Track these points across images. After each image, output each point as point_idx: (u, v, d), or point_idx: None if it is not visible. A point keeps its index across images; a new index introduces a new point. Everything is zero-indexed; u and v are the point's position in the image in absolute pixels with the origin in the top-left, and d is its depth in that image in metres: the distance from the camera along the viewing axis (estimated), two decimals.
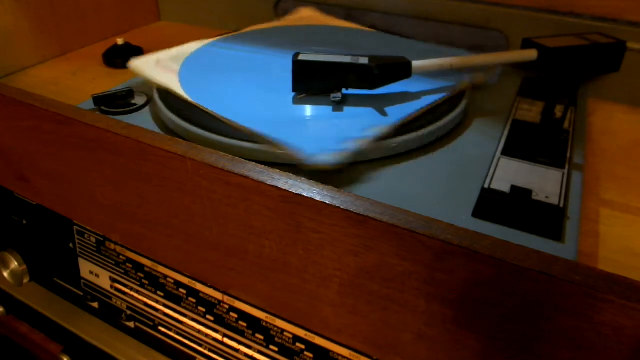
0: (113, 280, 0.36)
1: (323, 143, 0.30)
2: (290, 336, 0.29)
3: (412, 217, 0.20)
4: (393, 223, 0.20)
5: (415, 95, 0.37)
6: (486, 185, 0.30)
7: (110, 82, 0.47)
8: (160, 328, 0.35)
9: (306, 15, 0.54)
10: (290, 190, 0.22)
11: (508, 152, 0.33)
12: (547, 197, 0.29)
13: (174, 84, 0.37)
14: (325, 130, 0.33)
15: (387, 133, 0.32)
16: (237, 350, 0.32)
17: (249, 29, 0.51)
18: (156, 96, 0.38)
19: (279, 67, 0.41)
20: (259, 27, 0.51)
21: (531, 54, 0.39)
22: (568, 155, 0.33)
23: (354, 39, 0.48)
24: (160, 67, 0.40)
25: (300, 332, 0.29)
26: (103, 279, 0.37)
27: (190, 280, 0.32)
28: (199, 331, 0.33)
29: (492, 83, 0.44)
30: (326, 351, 0.28)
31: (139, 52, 0.51)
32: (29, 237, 0.40)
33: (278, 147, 0.30)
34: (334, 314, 0.24)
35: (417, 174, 0.31)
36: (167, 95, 0.37)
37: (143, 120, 0.37)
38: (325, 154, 0.29)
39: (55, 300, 0.42)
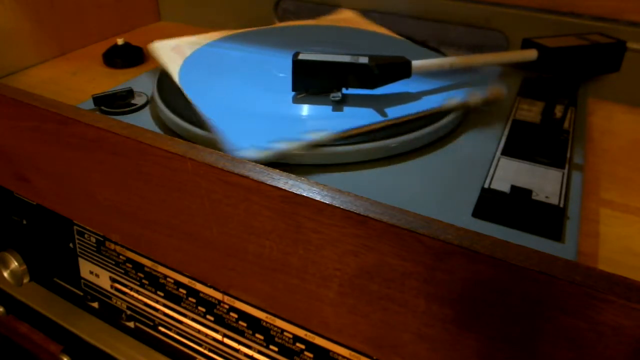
0: (113, 280, 0.36)
1: (255, 139, 0.31)
2: (290, 336, 0.29)
3: (412, 217, 0.20)
4: (393, 223, 0.20)
5: (415, 96, 0.37)
6: (486, 185, 0.30)
7: (110, 82, 0.47)
8: (160, 328, 0.35)
9: (346, 17, 0.53)
10: (290, 190, 0.22)
11: (508, 152, 0.33)
12: (547, 197, 0.29)
13: (173, 69, 0.38)
14: (265, 126, 0.33)
15: (328, 140, 0.31)
16: (237, 350, 0.32)
17: (272, 26, 0.51)
18: (156, 96, 0.38)
19: (278, 66, 0.41)
20: (288, 25, 0.51)
21: (531, 54, 0.39)
22: (568, 155, 0.33)
23: (354, 39, 0.48)
24: (174, 51, 0.41)
25: (300, 332, 0.29)
26: (103, 279, 0.37)
27: (190, 280, 0.32)
28: (199, 331, 0.33)
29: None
30: (326, 351, 0.28)
31: (139, 52, 0.51)
32: (29, 237, 0.40)
33: (211, 132, 0.32)
34: (334, 314, 0.24)
35: (417, 174, 0.31)
36: (167, 94, 0.37)
37: (143, 120, 0.37)
38: (250, 151, 0.29)
39: (55, 300, 0.42)
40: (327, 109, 0.35)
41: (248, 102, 0.36)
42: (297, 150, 0.31)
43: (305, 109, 0.35)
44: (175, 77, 0.38)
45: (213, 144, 0.32)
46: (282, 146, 0.30)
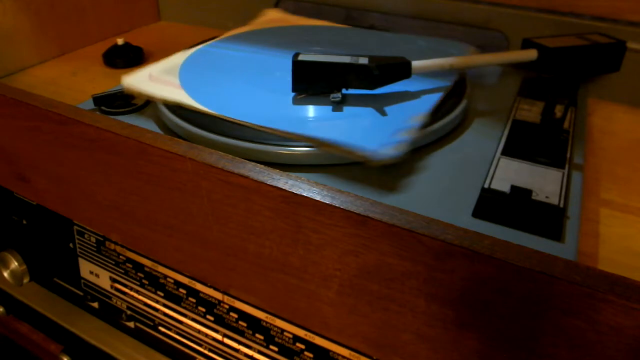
0: (113, 280, 0.36)
1: (378, 138, 0.30)
2: (290, 336, 0.29)
3: (412, 217, 0.20)
4: (393, 223, 0.20)
5: (415, 95, 0.37)
6: (486, 185, 0.30)
7: (110, 82, 0.47)
8: (160, 328, 0.35)
9: (273, 17, 0.53)
10: (290, 190, 0.22)
11: (508, 152, 0.33)
12: (547, 197, 0.29)
13: (184, 97, 0.35)
14: (371, 126, 0.33)
15: (427, 120, 0.33)
16: (237, 350, 0.32)
17: (226, 34, 0.49)
18: None
19: (279, 67, 0.41)
20: (235, 32, 0.50)
21: (531, 54, 0.39)
22: (568, 155, 0.33)
23: (355, 39, 0.48)
24: (157, 82, 0.38)
25: (300, 332, 0.29)
26: (103, 279, 0.37)
27: (190, 280, 0.32)
28: (199, 331, 0.33)
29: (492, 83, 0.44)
30: (326, 351, 0.28)
31: (139, 52, 0.51)
32: (29, 237, 0.40)
33: (334, 148, 0.30)
34: (334, 314, 0.24)
35: (417, 174, 0.31)
36: None
37: (143, 120, 0.37)
38: (386, 148, 0.29)
39: (55, 300, 0.42)
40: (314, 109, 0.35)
41: (280, 109, 0.35)
42: (415, 136, 0.32)
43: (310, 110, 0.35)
44: (191, 103, 0.35)
45: (213, 145, 0.32)
46: (405, 137, 0.31)
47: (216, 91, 0.37)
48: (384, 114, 0.34)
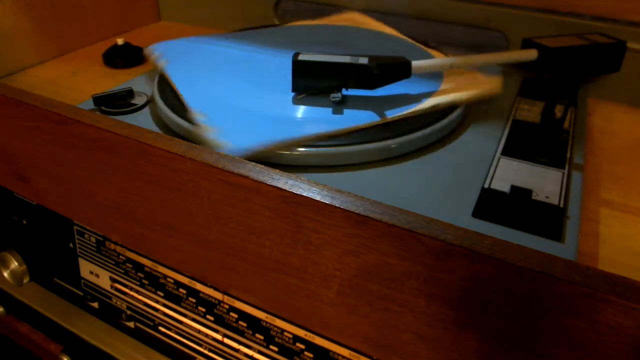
0: (113, 280, 0.36)
1: (246, 138, 0.31)
2: (290, 336, 0.29)
3: (412, 217, 0.20)
4: (393, 223, 0.20)
5: (415, 96, 0.37)
6: (486, 185, 0.30)
7: (110, 82, 0.47)
8: (160, 328, 0.35)
9: (352, 18, 0.53)
10: (290, 190, 0.22)
11: (508, 152, 0.33)
12: (547, 197, 0.29)
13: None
14: (259, 125, 0.33)
15: (310, 140, 0.32)
16: (237, 350, 0.32)
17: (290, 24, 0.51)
18: (156, 96, 0.38)
19: (278, 66, 0.41)
20: (298, 24, 0.51)
21: (531, 54, 0.39)
22: (568, 155, 0.33)
23: (355, 39, 0.48)
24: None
25: (300, 332, 0.29)
26: (103, 279, 0.37)
27: (190, 280, 0.32)
28: (199, 331, 0.33)
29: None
30: (326, 351, 0.28)
31: (139, 52, 0.51)
32: (29, 237, 0.40)
33: (202, 129, 0.32)
34: (334, 314, 0.24)
35: (417, 174, 0.31)
36: (167, 94, 0.37)
37: (143, 120, 0.37)
38: (240, 150, 0.30)
39: (55, 300, 0.42)
40: (313, 110, 0.35)
41: (238, 101, 0.36)
42: (274, 150, 0.31)
43: (286, 109, 0.35)
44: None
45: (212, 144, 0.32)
46: (259, 147, 0.31)
47: (215, 91, 0.37)
48: (382, 114, 0.34)
